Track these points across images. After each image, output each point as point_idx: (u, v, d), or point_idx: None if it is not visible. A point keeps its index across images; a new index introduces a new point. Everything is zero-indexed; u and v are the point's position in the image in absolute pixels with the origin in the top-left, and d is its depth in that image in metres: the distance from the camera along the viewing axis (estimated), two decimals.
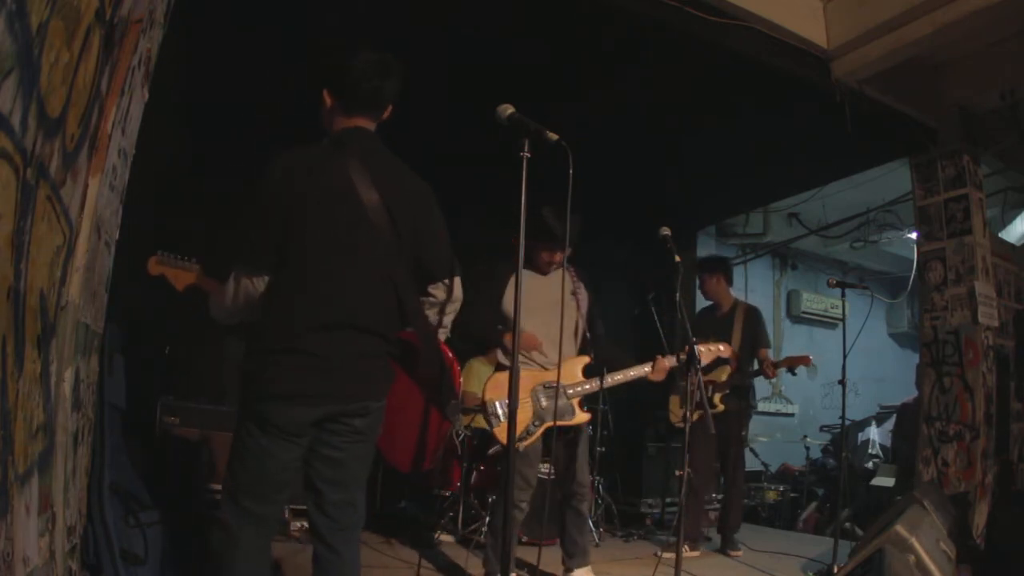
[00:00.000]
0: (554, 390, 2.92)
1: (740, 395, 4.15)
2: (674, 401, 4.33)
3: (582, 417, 2.99)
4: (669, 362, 3.04)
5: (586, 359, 3.03)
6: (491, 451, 4.08)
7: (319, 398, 1.69)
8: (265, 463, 1.70)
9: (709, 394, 3.86)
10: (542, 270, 3.05)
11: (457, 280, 1.91)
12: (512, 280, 2.97)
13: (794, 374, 4.26)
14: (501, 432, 2.88)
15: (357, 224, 1.74)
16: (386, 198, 1.77)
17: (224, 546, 1.70)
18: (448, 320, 1.95)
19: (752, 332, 4.17)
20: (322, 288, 1.72)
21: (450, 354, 1.93)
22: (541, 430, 2.94)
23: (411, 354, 1.86)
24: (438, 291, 1.89)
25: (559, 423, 2.95)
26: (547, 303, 2.87)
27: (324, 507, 1.77)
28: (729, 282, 4.37)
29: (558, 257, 3.00)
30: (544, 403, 2.94)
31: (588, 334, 3.07)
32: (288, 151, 1.80)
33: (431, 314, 1.90)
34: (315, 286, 1.73)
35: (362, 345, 1.74)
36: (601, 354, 3.08)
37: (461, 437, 4.10)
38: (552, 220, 2.83)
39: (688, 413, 2.78)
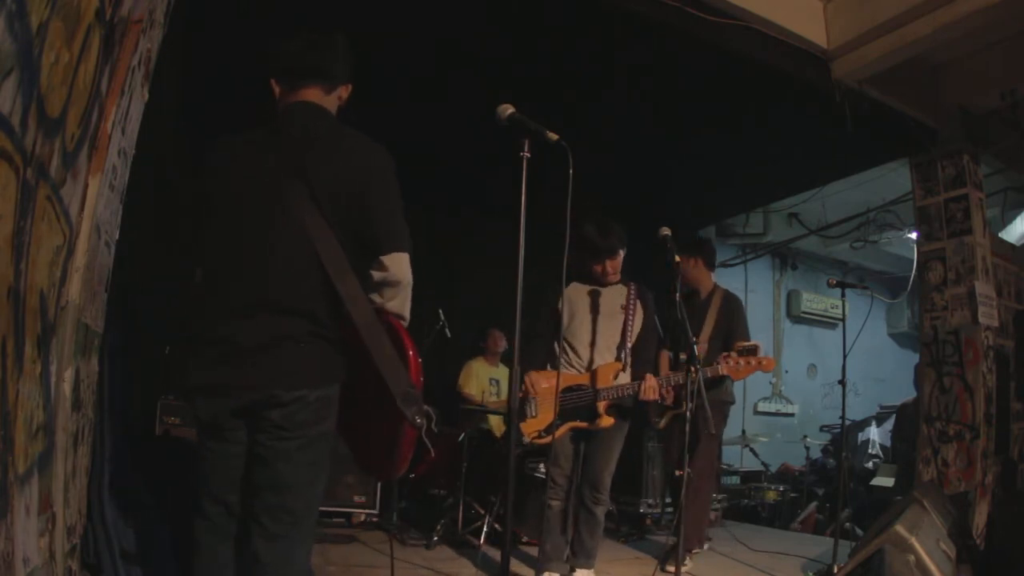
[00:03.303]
0: (581, 392, 3.04)
1: (709, 387, 3.52)
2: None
3: (604, 421, 3.01)
4: (655, 382, 3.02)
5: (619, 366, 3.07)
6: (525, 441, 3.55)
7: (228, 388, 1.62)
8: (213, 461, 1.68)
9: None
10: (599, 281, 3.17)
11: (395, 257, 1.69)
12: (562, 296, 3.11)
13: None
14: (526, 427, 3.07)
15: (274, 206, 1.65)
16: (317, 175, 1.66)
17: (192, 551, 1.70)
18: (394, 304, 1.74)
19: (727, 323, 3.77)
20: (236, 273, 1.67)
21: (406, 339, 1.71)
22: (564, 428, 3.05)
23: (360, 347, 1.67)
24: (374, 271, 1.71)
25: (579, 425, 3.05)
26: (596, 313, 3.14)
27: (254, 510, 1.63)
28: (709, 266, 3.94)
29: (607, 267, 3.10)
30: (571, 404, 3.04)
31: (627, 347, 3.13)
32: (224, 138, 1.79)
33: (374, 297, 1.72)
34: (229, 272, 1.68)
35: (284, 328, 1.62)
36: (633, 366, 3.14)
37: (462, 437, 4.10)
38: (594, 234, 3.02)
39: (688, 412, 2.78)
